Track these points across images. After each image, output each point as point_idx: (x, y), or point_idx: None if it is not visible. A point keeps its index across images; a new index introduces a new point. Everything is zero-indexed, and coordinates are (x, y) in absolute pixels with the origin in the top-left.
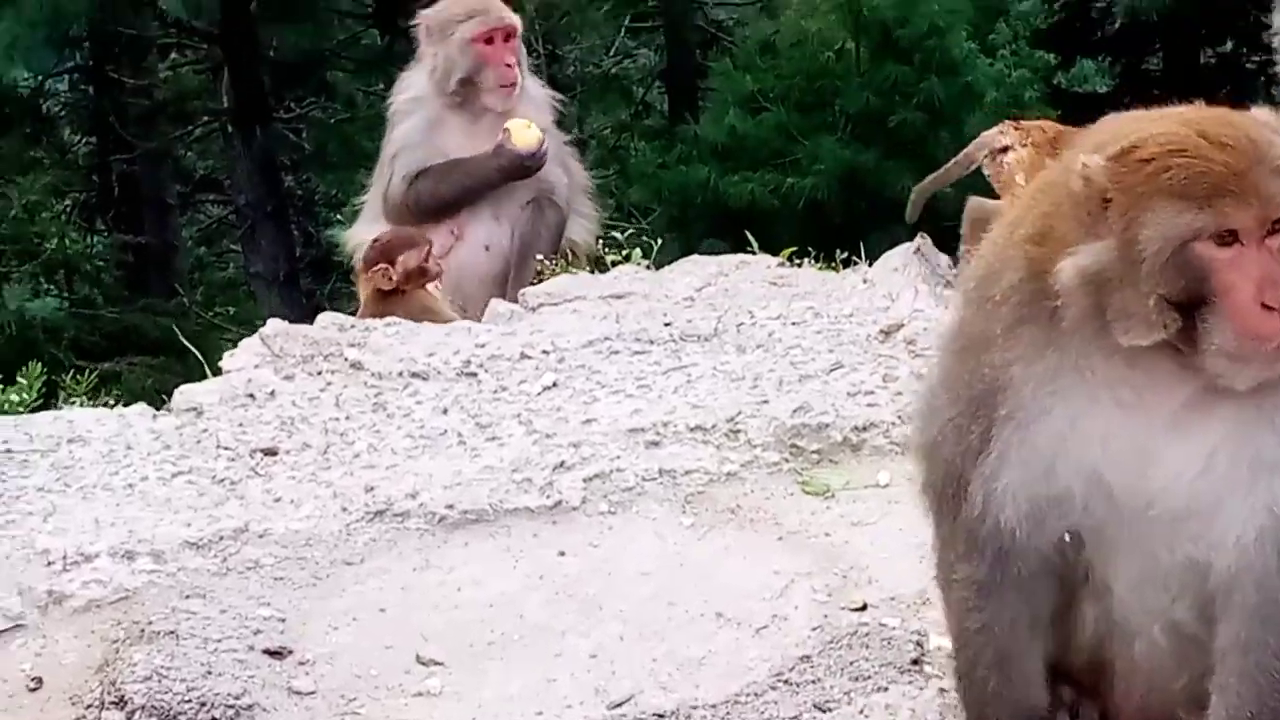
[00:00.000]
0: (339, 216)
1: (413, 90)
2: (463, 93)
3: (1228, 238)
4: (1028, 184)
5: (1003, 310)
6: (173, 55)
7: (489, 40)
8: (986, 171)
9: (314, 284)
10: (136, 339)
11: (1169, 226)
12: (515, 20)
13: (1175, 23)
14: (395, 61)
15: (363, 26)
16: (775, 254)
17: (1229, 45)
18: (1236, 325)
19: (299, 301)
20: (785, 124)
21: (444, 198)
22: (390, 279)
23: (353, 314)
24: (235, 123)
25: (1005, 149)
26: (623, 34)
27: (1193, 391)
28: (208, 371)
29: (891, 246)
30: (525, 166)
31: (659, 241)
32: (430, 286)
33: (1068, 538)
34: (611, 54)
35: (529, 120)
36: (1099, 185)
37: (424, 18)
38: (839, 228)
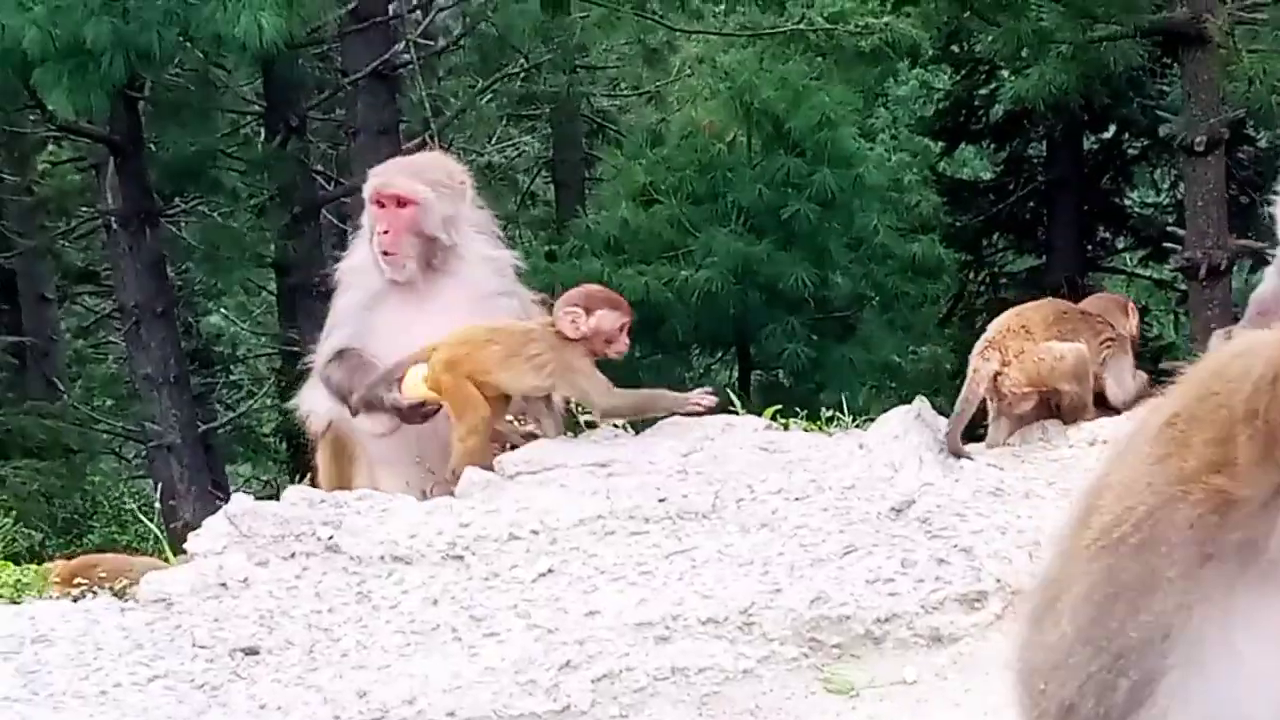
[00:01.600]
0: (223, 309)
1: (355, 257)
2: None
3: None
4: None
5: (1178, 552)
6: (49, 148)
7: (380, 204)
8: (993, 404)
9: (200, 379)
10: (21, 441)
11: None
12: (408, 189)
13: (1058, 109)
14: (284, 160)
15: (248, 123)
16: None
17: (1110, 131)
18: None
19: (188, 403)
20: (677, 216)
21: (343, 395)
22: (578, 328)
23: (300, 480)
24: (122, 222)
25: (998, 374)
26: (505, 122)
27: None
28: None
29: (788, 339)
30: (403, 416)
31: None
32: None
33: None
34: (494, 142)
35: None
36: None
37: None
38: (734, 320)
